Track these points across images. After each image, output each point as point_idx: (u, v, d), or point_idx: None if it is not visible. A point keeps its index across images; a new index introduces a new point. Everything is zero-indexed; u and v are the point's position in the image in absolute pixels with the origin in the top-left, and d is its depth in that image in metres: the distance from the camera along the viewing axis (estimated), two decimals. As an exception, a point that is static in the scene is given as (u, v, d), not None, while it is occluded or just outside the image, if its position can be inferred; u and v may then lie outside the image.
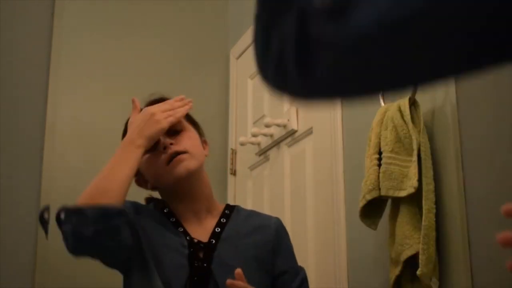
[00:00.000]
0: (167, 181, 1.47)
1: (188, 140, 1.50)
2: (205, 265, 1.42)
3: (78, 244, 1.34)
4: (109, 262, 1.42)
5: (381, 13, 0.42)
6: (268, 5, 0.49)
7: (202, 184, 1.52)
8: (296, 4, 0.46)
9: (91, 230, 1.30)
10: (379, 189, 1.52)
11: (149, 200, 1.59)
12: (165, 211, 1.52)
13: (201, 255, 1.44)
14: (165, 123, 1.44)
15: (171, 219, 1.49)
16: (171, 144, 1.46)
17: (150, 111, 1.46)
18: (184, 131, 1.52)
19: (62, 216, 1.33)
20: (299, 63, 0.46)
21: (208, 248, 1.45)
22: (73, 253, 1.36)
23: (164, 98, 1.58)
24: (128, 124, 1.50)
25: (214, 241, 1.47)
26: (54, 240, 2.39)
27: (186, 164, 1.46)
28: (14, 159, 2.44)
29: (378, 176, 1.52)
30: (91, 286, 2.37)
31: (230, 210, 1.55)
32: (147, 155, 1.47)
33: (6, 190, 2.40)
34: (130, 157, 1.40)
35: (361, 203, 1.57)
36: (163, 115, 1.45)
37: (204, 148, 1.56)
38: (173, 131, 1.49)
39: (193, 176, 1.49)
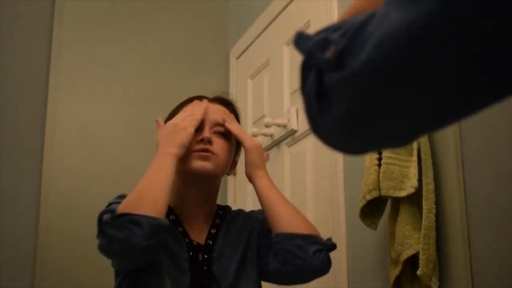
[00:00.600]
0: (182, 164, 1.47)
1: (223, 148, 1.50)
2: (205, 268, 1.43)
3: (126, 254, 1.31)
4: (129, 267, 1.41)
5: (366, 54, 0.53)
6: (302, 69, 0.63)
7: (215, 191, 1.54)
8: (314, 65, 0.60)
9: (144, 244, 1.27)
10: (379, 189, 1.52)
11: None
12: None
13: (200, 257, 1.45)
14: (190, 129, 1.47)
15: (170, 217, 1.49)
16: (209, 141, 1.47)
17: (172, 123, 1.49)
18: (226, 138, 1.52)
19: (116, 220, 1.29)
20: (319, 106, 0.61)
21: (206, 250, 1.46)
22: (111, 255, 1.35)
23: (227, 100, 1.65)
24: (157, 141, 1.50)
25: (211, 242, 1.47)
26: (54, 240, 2.39)
27: (207, 164, 1.46)
28: (14, 159, 2.43)
29: (378, 176, 1.52)
30: (91, 286, 2.37)
31: (222, 211, 1.56)
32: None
33: (6, 190, 2.39)
34: (166, 164, 1.41)
35: (361, 203, 1.56)
36: (186, 122, 1.49)
37: (230, 167, 1.57)
38: (219, 132, 1.51)
39: (211, 181, 1.51)
